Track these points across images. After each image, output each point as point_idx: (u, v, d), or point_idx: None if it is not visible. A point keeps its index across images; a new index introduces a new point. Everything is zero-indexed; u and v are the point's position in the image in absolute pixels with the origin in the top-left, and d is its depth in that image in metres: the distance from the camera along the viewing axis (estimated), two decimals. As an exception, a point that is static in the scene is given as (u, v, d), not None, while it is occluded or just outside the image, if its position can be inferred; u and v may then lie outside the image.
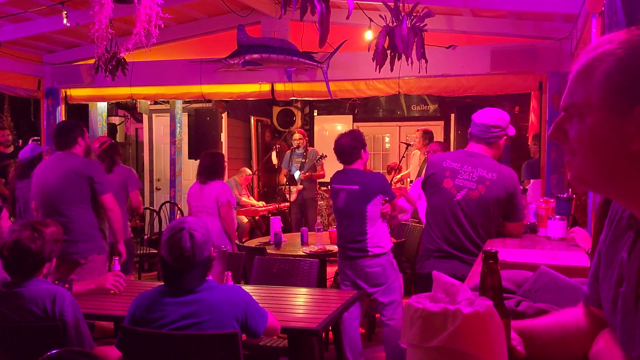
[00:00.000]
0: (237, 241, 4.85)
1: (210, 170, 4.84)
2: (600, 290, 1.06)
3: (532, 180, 5.41)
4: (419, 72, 4.66)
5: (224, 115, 9.00)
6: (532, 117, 6.65)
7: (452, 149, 7.45)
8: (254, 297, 2.46)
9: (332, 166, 8.27)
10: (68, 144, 4.06)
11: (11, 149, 6.91)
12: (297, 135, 7.61)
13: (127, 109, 9.22)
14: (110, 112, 8.49)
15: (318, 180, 7.82)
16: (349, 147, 4.00)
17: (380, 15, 4.72)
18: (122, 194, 5.03)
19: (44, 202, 4.03)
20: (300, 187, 7.42)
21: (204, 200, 4.80)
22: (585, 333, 1.12)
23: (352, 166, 4.02)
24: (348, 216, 3.94)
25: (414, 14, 4.22)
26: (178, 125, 7.81)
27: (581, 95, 0.93)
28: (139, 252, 6.53)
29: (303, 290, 3.49)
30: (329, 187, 4.27)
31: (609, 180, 0.94)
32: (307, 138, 7.85)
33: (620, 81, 0.88)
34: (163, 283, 2.40)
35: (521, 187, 3.48)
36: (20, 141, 8.02)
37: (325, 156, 7.53)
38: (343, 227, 4.00)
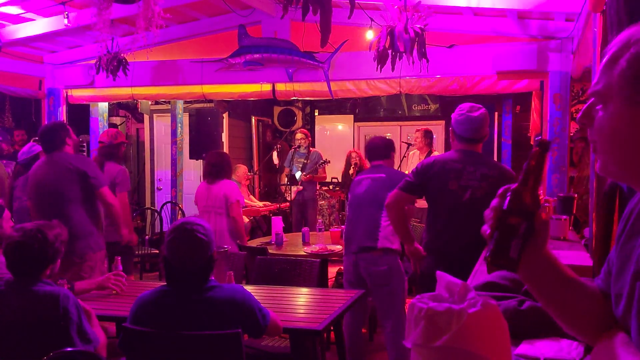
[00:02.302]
0: (238, 241, 4.84)
1: (218, 169, 4.84)
2: (612, 288, 1.04)
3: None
4: (420, 72, 4.66)
5: (225, 115, 9.01)
6: (534, 116, 6.64)
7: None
8: (255, 297, 2.46)
9: (334, 169, 8.32)
10: (57, 146, 4.06)
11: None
12: (299, 135, 7.58)
13: (128, 109, 9.23)
14: (111, 112, 8.49)
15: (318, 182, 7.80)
16: (377, 145, 4.04)
17: (381, 15, 4.72)
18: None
19: (40, 201, 4.04)
20: (300, 187, 7.41)
21: (212, 199, 4.80)
22: (596, 302, 1.09)
23: (379, 162, 4.01)
24: (365, 203, 3.84)
25: (416, 14, 4.23)
26: (179, 125, 7.81)
27: (604, 84, 0.92)
28: (140, 252, 6.52)
29: (305, 290, 3.49)
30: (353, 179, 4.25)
31: (630, 171, 0.92)
32: (310, 139, 7.80)
33: None
34: (165, 283, 2.41)
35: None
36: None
37: (328, 162, 7.51)
38: (356, 215, 3.88)
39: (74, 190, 3.99)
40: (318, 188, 7.92)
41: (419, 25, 4.23)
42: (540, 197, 1.01)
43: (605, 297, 1.08)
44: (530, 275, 1.06)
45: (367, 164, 6.88)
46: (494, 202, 1.00)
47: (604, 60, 0.94)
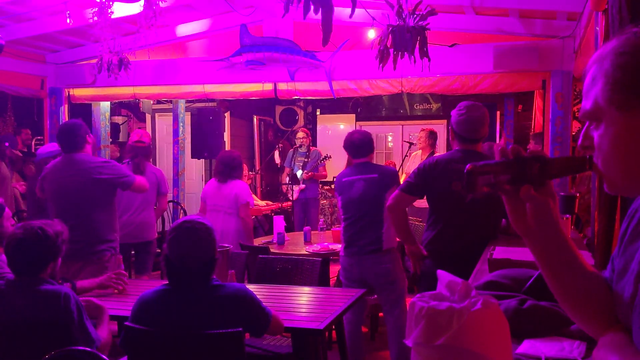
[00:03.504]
0: (240, 241, 4.85)
1: (230, 169, 4.85)
2: (615, 287, 1.04)
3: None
4: (422, 71, 4.66)
5: (227, 114, 9.01)
6: (538, 115, 6.64)
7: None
8: (257, 296, 2.46)
9: (335, 166, 8.31)
10: (78, 145, 3.92)
11: (26, 148, 7.07)
12: (300, 134, 7.61)
13: (129, 108, 9.24)
14: (113, 112, 8.50)
15: (319, 180, 7.82)
16: (362, 141, 3.91)
17: (383, 14, 4.72)
18: (152, 196, 4.97)
19: (62, 205, 3.92)
20: (303, 186, 7.43)
21: (223, 199, 4.81)
22: (603, 289, 1.08)
23: (364, 159, 3.92)
24: (365, 205, 3.78)
25: (417, 13, 4.22)
26: (181, 124, 7.81)
27: (591, 103, 0.93)
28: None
29: (306, 289, 3.48)
30: (335, 184, 4.06)
31: (638, 181, 0.92)
32: (310, 138, 7.84)
33: (623, 78, 0.88)
34: (167, 282, 2.41)
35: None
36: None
37: (330, 157, 7.52)
38: (356, 218, 3.82)
39: (98, 196, 3.90)
40: (320, 187, 7.93)
41: (420, 24, 4.23)
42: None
43: (611, 289, 1.07)
44: (536, 244, 1.05)
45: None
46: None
47: (585, 83, 0.95)
